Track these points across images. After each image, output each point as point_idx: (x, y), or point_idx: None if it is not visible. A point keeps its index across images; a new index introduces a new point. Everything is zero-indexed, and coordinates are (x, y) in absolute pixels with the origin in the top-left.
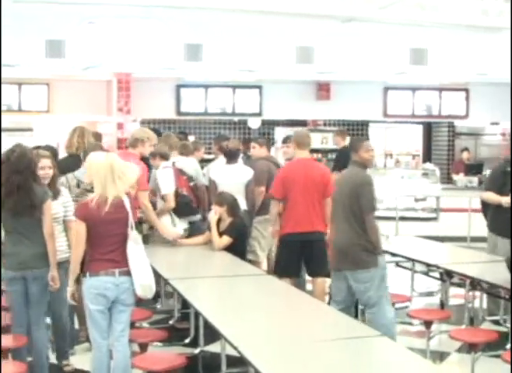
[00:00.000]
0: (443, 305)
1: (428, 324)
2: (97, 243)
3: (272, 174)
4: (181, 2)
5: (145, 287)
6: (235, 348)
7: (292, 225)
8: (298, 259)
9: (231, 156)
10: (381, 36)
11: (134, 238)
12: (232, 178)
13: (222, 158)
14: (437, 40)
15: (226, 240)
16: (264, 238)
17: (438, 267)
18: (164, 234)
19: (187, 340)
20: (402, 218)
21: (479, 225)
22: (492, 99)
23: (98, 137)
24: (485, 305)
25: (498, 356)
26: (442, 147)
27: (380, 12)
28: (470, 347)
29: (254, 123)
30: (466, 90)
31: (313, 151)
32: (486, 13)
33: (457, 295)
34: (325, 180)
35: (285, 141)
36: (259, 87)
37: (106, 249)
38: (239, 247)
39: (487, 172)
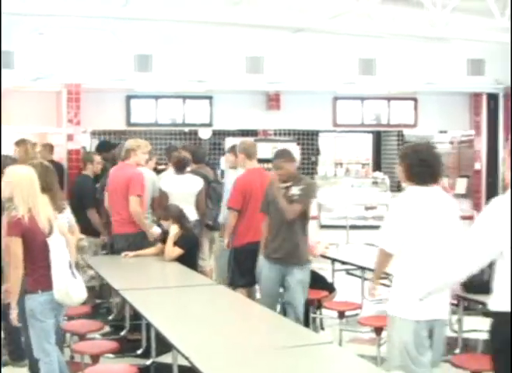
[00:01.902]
0: None
1: (378, 331)
2: (39, 258)
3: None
4: (131, 13)
5: (61, 291)
6: (186, 358)
7: (252, 235)
8: (255, 268)
9: (180, 166)
10: (330, 46)
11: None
12: (182, 188)
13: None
14: (385, 49)
15: (177, 251)
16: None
17: (388, 274)
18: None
19: (139, 351)
20: (353, 227)
21: None
22: (439, 108)
23: (49, 148)
24: None
25: (447, 361)
26: (391, 155)
27: (329, 22)
28: None
29: (205, 134)
30: (414, 99)
31: (263, 161)
32: (433, 24)
33: None
34: None
35: (231, 149)
36: (209, 97)
37: (47, 262)
38: (190, 258)
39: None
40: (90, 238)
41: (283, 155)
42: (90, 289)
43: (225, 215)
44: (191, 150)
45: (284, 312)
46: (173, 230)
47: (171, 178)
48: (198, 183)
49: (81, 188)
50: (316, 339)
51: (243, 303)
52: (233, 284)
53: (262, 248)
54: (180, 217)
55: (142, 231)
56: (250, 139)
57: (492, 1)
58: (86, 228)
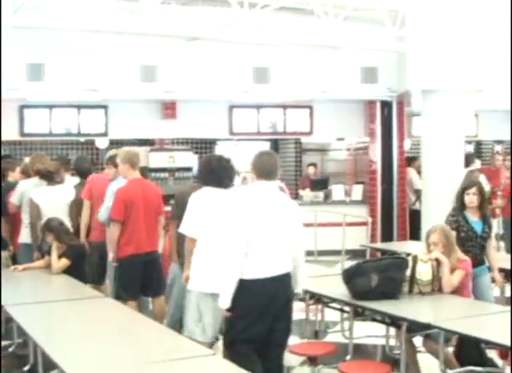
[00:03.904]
0: None
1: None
2: None
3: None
4: (23, 21)
5: None
6: None
7: (136, 246)
8: (141, 279)
9: (49, 177)
10: (225, 54)
11: None
12: (54, 199)
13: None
14: (280, 58)
15: (64, 262)
16: None
17: None
18: None
19: (26, 368)
20: None
21: (325, 239)
22: (335, 116)
23: None
24: (326, 318)
25: (335, 367)
26: (289, 163)
27: (223, 31)
28: (310, 361)
29: (102, 143)
30: (310, 107)
31: (160, 170)
32: (326, 32)
33: (302, 309)
34: (159, 199)
35: (109, 161)
36: (104, 107)
37: None
38: (78, 270)
39: (332, 186)
40: None
41: None
42: None
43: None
44: (79, 160)
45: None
46: (55, 242)
47: (42, 190)
48: (70, 194)
49: None
50: (202, 351)
51: (131, 315)
52: (119, 297)
53: (175, 256)
54: (58, 231)
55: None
56: (136, 149)
57: (384, 10)
58: None
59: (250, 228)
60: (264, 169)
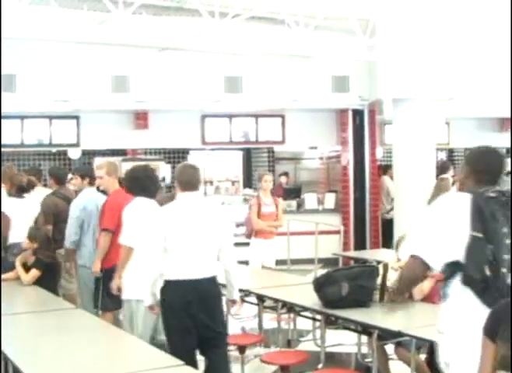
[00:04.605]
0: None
1: (242, 349)
2: None
3: (59, 210)
4: None
5: None
6: None
7: (118, 256)
8: None
9: (22, 190)
10: (197, 64)
11: None
12: (20, 212)
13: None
14: (251, 67)
15: (33, 273)
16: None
17: (250, 292)
18: None
19: None
20: None
21: (298, 248)
22: (307, 125)
23: None
24: (299, 327)
25: None
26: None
27: (194, 41)
28: (282, 370)
29: (74, 154)
30: (282, 116)
31: None
32: (297, 41)
33: (274, 319)
34: None
35: (75, 172)
36: (76, 117)
37: None
38: (49, 281)
39: (305, 195)
40: None
41: None
42: None
43: (72, 240)
44: (51, 171)
45: None
46: (22, 254)
47: (10, 202)
48: (35, 207)
49: None
50: (170, 361)
51: (102, 327)
52: (103, 308)
53: None
54: (41, 242)
55: None
56: (117, 159)
57: (355, 20)
58: None
59: (169, 233)
60: (188, 182)
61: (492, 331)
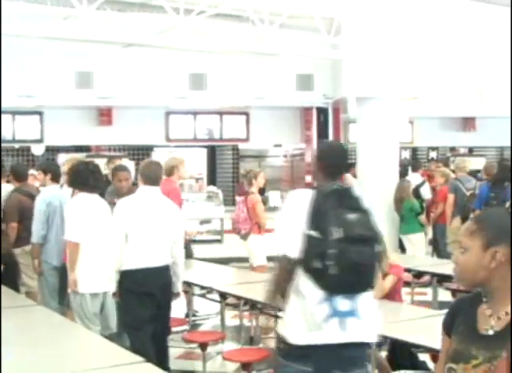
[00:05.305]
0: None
1: (203, 346)
2: None
3: (24, 207)
4: None
5: None
6: None
7: None
8: None
9: None
10: (161, 61)
11: None
12: None
13: None
14: (216, 64)
15: None
16: (29, 268)
17: (212, 289)
18: None
19: None
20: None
21: None
22: (271, 122)
23: None
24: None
25: None
26: (226, 169)
27: (158, 37)
28: (244, 367)
29: (38, 150)
30: (246, 114)
31: None
32: (262, 39)
33: (237, 316)
34: None
35: (39, 168)
36: (40, 113)
37: None
38: (9, 277)
39: (269, 193)
40: None
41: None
42: None
43: (40, 235)
44: (11, 168)
45: None
46: None
47: None
48: None
49: None
50: (133, 358)
51: (63, 325)
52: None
53: None
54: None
55: None
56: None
57: (319, 18)
58: None
59: (130, 223)
60: (150, 177)
61: (447, 326)
